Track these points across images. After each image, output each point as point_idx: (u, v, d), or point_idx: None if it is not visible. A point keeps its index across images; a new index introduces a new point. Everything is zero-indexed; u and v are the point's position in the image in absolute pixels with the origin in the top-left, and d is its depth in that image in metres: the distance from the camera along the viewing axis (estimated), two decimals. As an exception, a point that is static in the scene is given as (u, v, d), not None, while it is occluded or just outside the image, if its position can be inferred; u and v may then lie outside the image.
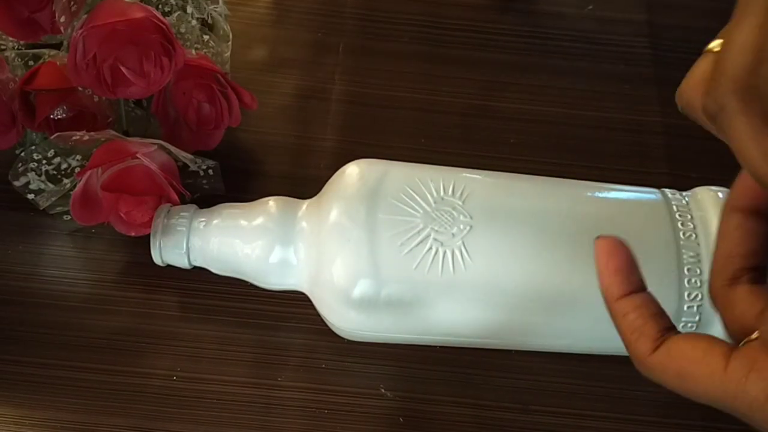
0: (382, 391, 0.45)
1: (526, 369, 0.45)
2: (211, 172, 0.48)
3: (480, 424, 0.44)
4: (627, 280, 0.28)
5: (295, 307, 0.46)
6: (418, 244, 0.41)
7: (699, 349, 0.26)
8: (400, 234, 0.41)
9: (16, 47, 0.48)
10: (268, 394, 0.44)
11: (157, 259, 0.44)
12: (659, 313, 0.28)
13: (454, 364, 0.45)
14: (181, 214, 0.44)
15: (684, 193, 0.44)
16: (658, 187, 0.45)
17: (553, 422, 0.44)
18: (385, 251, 0.40)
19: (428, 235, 0.41)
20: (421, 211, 0.41)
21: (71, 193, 0.45)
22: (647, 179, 0.48)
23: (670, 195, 0.44)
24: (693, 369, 0.26)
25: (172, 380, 0.44)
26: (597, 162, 0.53)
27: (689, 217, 0.42)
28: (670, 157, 0.53)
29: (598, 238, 0.29)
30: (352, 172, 0.43)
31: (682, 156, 0.53)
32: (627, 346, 0.28)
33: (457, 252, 0.41)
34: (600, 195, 0.44)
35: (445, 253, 0.41)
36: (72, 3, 0.43)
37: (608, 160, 0.53)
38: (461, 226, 0.41)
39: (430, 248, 0.41)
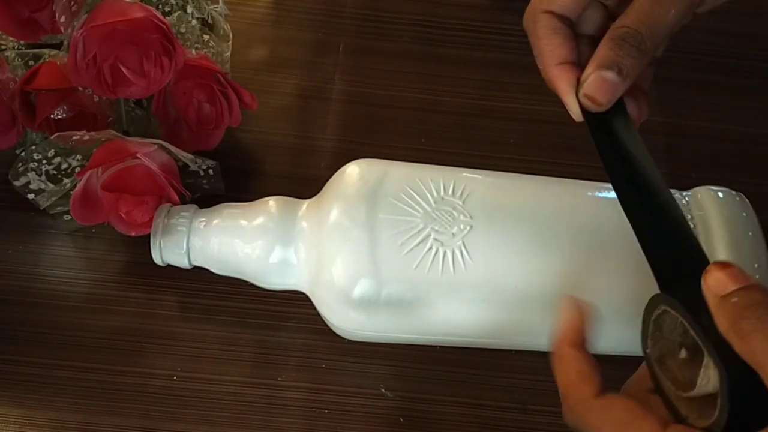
0: (383, 391, 0.44)
1: (526, 369, 0.45)
2: (211, 172, 0.48)
3: (480, 423, 0.44)
4: (582, 335, 0.32)
5: (295, 307, 0.46)
6: (418, 244, 0.41)
7: (641, 408, 0.29)
8: (401, 234, 0.41)
9: (16, 47, 0.49)
10: (269, 394, 0.44)
11: (157, 259, 0.44)
12: (599, 373, 0.31)
13: (455, 364, 0.45)
14: (182, 214, 0.44)
15: (684, 193, 0.44)
16: (658, 186, 0.45)
17: (553, 422, 0.44)
18: (385, 251, 0.40)
19: (428, 235, 0.41)
20: (421, 211, 0.41)
21: (71, 193, 0.45)
22: (647, 179, 0.47)
23: (670, 195, 0.44)
24: (636, 422, 0.29)
25: (172, 380, 0.44)
26: (597, 162, 0.52)
27: (689, 217, 0.42)
28: (670, 157, 0.53)
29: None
30: (352, 172, 0.43)
31: (682, 156, 0.53)
32: (569, 388, 0.31)
33: (457, 252, 0.41)
34: (600, 195, 0.44)
35: (445, 252, 0.41)
36: (72, 3, 0.43)
37: (608, 160, 0.53)
38: (461, 226, 0.41)
39: (431, 248, 0.41)
